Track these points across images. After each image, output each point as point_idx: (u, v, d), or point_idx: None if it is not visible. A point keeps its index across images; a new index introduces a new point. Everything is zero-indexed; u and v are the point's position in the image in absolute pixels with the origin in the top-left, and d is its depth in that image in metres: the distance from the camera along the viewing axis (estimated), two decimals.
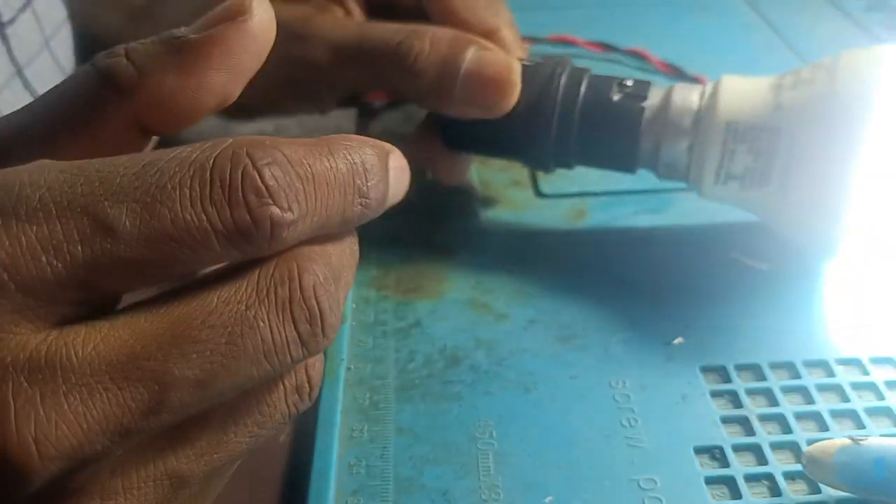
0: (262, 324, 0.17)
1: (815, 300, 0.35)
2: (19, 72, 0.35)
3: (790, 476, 0.27)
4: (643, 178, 0.43)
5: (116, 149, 0.18)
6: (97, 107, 0.19)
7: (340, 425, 0.29)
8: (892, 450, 0.25)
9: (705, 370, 0.31)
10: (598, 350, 0.32)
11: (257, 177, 0.17)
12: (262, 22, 0.19)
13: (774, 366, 0.31)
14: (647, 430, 0.29)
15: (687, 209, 0.40)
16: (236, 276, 0.18)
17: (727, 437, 0.29)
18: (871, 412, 0.30)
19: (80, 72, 0.19)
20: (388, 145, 0.20)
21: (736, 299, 0.35)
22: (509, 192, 0.42)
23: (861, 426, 0.29)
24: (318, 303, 0.18)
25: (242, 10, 0.19)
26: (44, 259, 0.16)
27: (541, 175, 0.43)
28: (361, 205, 0.19)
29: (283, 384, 0.19)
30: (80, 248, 0.16)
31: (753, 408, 0.30)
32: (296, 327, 0.18)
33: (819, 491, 0.27)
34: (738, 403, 0.30)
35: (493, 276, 0.36)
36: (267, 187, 0.17)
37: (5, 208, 0.16)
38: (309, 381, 0.20)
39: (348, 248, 0.20)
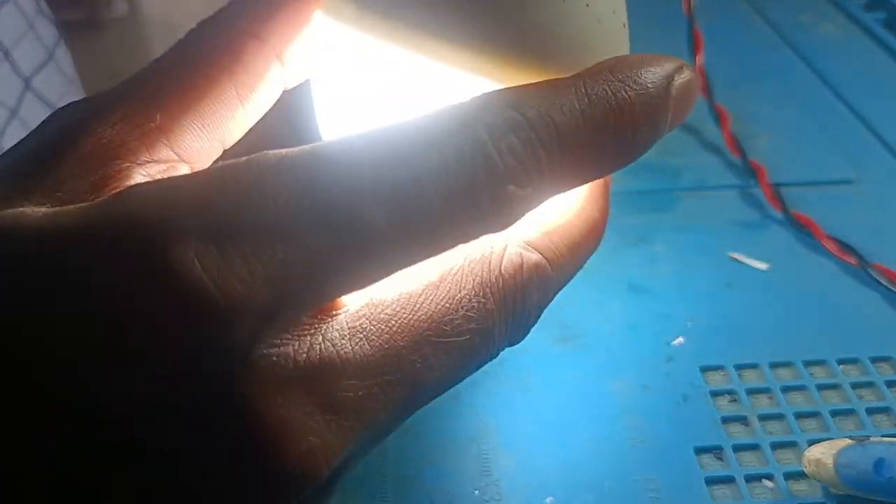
0: (497, 335, 0.18)
1: (815, 299, 0.34)
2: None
3: (791, 476, 0.27)
4: (643, 179, 0.43)
5: (260, 90, 0.19)
6: (237, 52, 0.19)
7: None
8: (894, 450, 0.25)
9: (706, 370, 0.31)
10: (599, 350, 0.32)
11: (496, 157, 0.16)
12: None
13: (775, 365, 0.31)
14: (648, 430, 0.29)
15: (687, 209, 0.40)
16: (472, 274, 0.18)
17: (728, 438, 0.29)
18: (873, 412, 0.30)
19: (197, 31, 0.19)
20: (673, 61, 0.18)
21: (736, 299, 0.35)
22: None
23: (862, 426, 0.29)
24: (535, 315, 0.19)
25: None
26: (299, 275, 0.15)
27: None
28: (621, 150, 0.17)
29: None
30: (333, 250, 0.15)
31: (754, 408, 0.30)
32: (511, 338, 0.18)
33: (820, 491, 0.27)
34: (738, 403, 0.30)
35: None
36: (506, 166, 0.16)
37: (244, 228, 0.14)
38: None
39: (589, 221, 0.20)
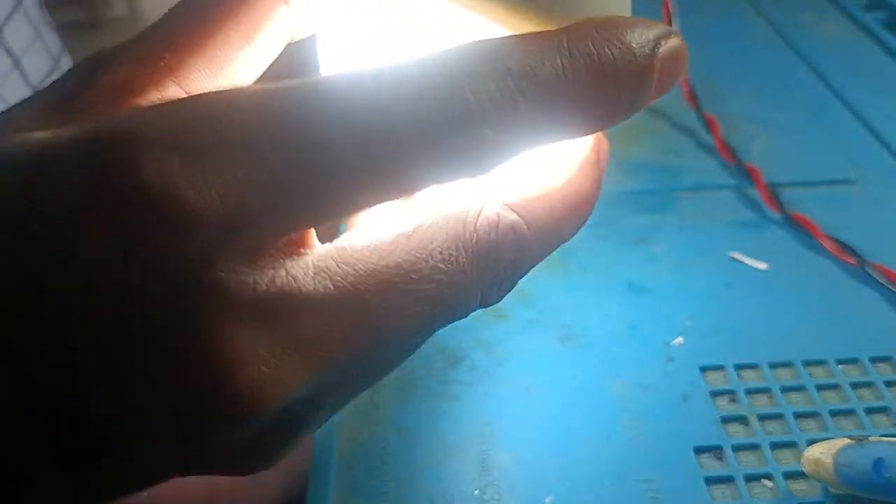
0: (468, 290, 0.18)
1: (815, 299, 0.35)
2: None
3: (791, 476, 0.27)
4: (643, 179, 0.43)
5: (266, 31, 0.19)
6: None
7: (340, 425, 0.29)
8: (893, 450, 0.25)
9: (706, 370, 0.31)
10: (599, 350, 0.32)
11: (473, 100, 0.16)
12: None
13: (775, 365, 0.31)
14: (647, 430, 0.29)
15: (687, 209, 0.40)
16: (447, 227, 0.18)
17: (728, 437, 0.29)
18: (872, 412, 0.30)
19: None
20: (661, 26, 0.18)
21: (736, 299, 0.35)
22: None
23: (861, 426, 0.29)
24: (510, 277, 0.19)
25: None
26: (259, 194, 0.15)
27: None
28: (604, 108, 0.17)
29: None
30: (297, 175, 0.15)
31: (754, 408, 0.30)
32: (485, 298, 0.18)
33: (820, 491, 0.27)
34: (738, 403, 0.30)
35: None
36: (482, 109, 0.16)
37: (209, 144, 0.15)
38: None
39: (575, 191, 0.20)
